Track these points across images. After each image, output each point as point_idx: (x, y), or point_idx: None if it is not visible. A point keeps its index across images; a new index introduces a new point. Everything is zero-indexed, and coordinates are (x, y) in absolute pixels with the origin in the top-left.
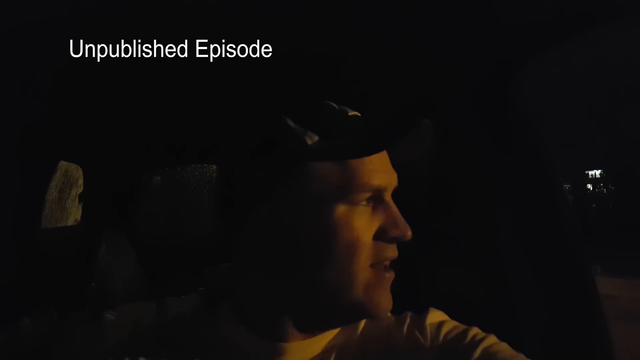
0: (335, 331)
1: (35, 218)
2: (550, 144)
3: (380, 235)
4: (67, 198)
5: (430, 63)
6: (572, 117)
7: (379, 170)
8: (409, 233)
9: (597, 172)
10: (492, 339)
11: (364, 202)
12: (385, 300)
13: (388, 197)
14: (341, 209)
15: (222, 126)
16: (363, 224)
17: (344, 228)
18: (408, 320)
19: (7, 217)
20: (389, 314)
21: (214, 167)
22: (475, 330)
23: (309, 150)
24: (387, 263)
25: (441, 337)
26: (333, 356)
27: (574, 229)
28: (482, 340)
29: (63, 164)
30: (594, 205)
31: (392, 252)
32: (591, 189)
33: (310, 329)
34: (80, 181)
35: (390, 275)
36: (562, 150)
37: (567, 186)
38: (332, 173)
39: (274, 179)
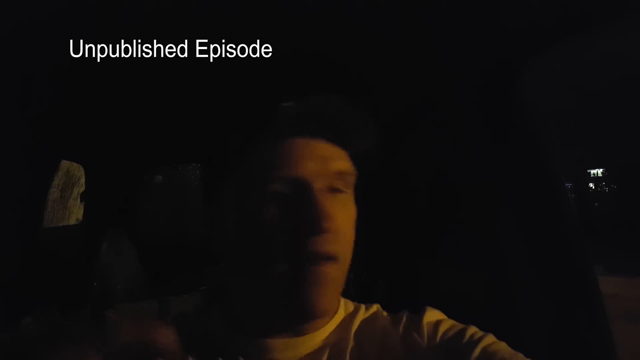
0: (329, 330)
1: (37, 217)
2: (552, 143)
3: (298, 228)
4: (69, 197)
5: (432, 63)
6: (574, 115)
7: (301, 160)
8: (323, 226)
9: (599, 171)
10: (490, 338)
11: (281, 193)
12: (314, 298)
13: (317, 185)
14: (256, 200)
15: (218, 125)
16: (278, 215)
17: (260, 220)
18: (404, 320)
19: (9, 217)
20: (385, 313)
21: None
22: (473, 329)
23: (238, 146)
24: (315, 258)
25: (439, 336)
26: (326, 355)
27: (576, 227)
28: (480, 339)
29: (65, 164)
30: (596, 204)
31: (313, 246)
32: (593, 187)
33: (293, 327)
34: (82, 180)
35: (318, 272)
36: (564, 148)
37: (569, 185)
38: (254, 167)
39: (221, 181)
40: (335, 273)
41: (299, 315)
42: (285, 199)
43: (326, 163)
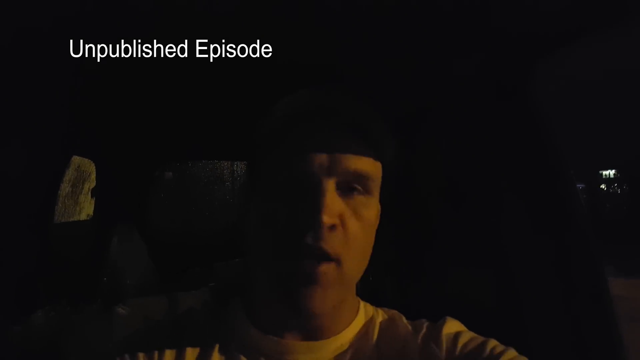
0: (350, 334)
1: (48, 213)
2: (564, 144)
3: (301, 222)
4: (79, 193)
5: (443, 65)
6: (586, 116)
7: (315, 153)
8: (325, 221)
9: (611, 172)
10: (511, 353)
11: (295, 186)
12: (311, 297)
13: (328, 181)
14: (270, 192)
15: (232, 123)
16: (288, 209)
17: (272, 213)
18: (424, 330)
19: (21, 212)
20: (404, 319)
21: (224, 163)
22: (493, 343)
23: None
24: (317, 254)
25: (458, 349)
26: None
27: (587, 229)
28: (501, 354)
29: (76, 159)
30: (607, 205)
31: (315, 241)
32: (605, 188)
33: (313, 328)
34: (93, 176)
35: (318, 269)
36: (576, 149)
37: (581, 186)
38: (271, 158)
39: (253, 175)
40: (336, 275)
41: (302, 315)
42: (295, 192)
43: (345, 161)
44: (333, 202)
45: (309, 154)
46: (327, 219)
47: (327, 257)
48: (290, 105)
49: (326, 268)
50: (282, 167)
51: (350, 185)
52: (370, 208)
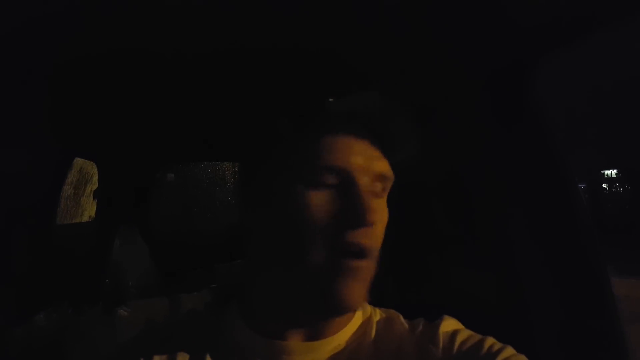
0: (348, 333)
1: (50, 214)
2: (566, 143)
3: (340, 220)
4: (82, 195)
5: (443, 61)
6: (588, 116)
7: (348, 152)
8: (368, 218)
9: (613, 172)
10: (509, 351)
11: (326, 184)
12: (348, 292)
13: (361, 181)
14: (300, 190)
15: (233, 124)
16: (321, 206)
17: (301, 211)
18: (421, 328)
19: (23, 213)
20: (401, 318)
21: (226, 164)
22: (491, 341)
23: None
24: (355, 251)
25: (455, 347)
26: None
27: (590, 228)
28: (499, 352)
29: (78, 161)
30: (609, 205)
31: (355, 238)
32: (607, 188)
33: (312, 329)
34: (95, 178)
35: (356, 265)
36: (577, 149)
37: (582, 186)
38: (298, 157)
39: (257, 172)
40: (369, 269)
41: (329, 310)
42: (330, 190)
43: (371, 162)
44: (372, 202)
45: (349, 153)
46: (370, 217)
47: (364, 254)
48: (345, 106)
49: (363, 263)
50: (319, 165)
51: (373, 187)
52: (385, 208)
